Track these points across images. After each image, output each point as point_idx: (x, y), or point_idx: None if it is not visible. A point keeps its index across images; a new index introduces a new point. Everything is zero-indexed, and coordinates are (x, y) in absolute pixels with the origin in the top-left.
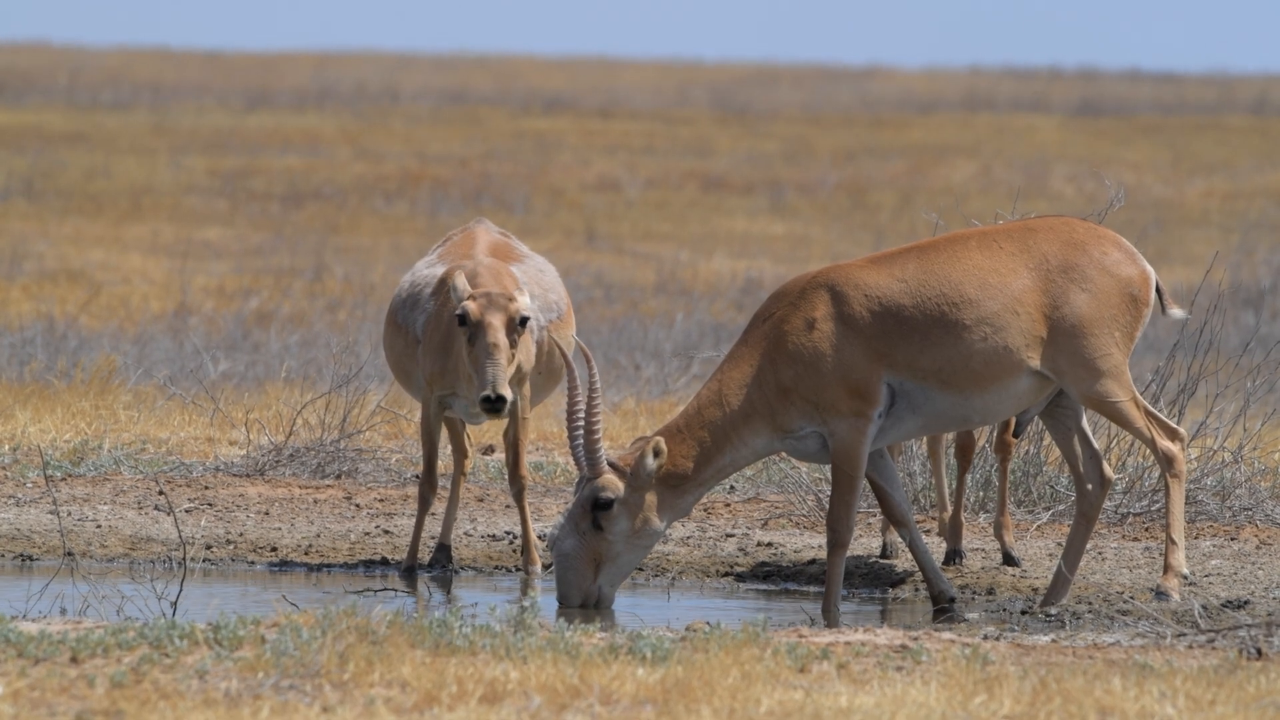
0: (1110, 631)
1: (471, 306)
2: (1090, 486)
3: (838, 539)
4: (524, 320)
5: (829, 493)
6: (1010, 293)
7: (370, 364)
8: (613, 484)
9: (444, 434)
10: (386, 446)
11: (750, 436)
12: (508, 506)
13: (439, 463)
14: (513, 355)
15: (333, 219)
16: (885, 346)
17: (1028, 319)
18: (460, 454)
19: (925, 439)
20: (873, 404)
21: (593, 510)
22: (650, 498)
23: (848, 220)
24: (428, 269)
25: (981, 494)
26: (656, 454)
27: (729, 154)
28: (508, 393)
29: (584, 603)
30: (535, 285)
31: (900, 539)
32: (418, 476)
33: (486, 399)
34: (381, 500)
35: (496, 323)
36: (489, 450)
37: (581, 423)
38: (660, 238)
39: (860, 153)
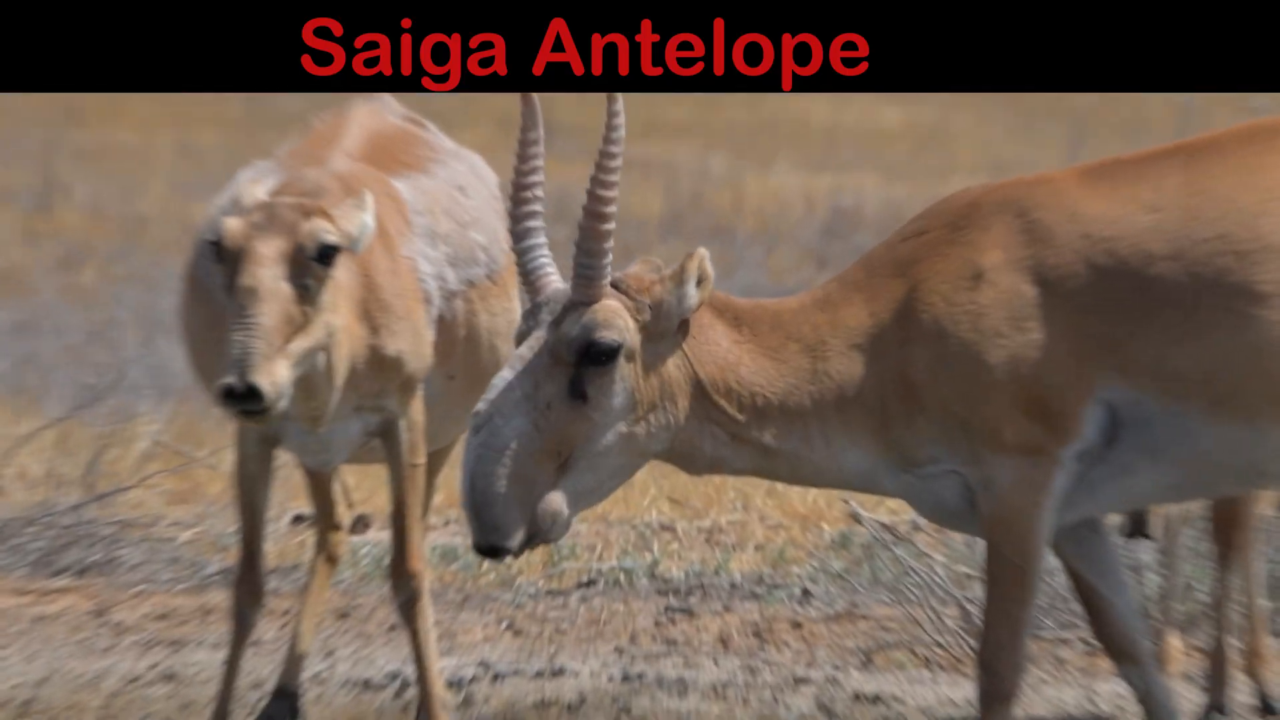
0: None
1: (231, 226)
2: None
3: (999, 685)
4: (325, 252)
5: (982, 603)
6: None
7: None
8: (617, 317)
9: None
10: (171, 516)
11: (844, 442)
12: (392, 628)
13: (267, 545)
14: (301, 314)
15: None
16: (1111, 328)
17: None
18: (327, 525)
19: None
20: (1066, 436)
21: (579, 362)
22: (680, 366)
23: (1027, 107)
24: (245, 187)
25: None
26: (700, 280)
27: None
28: (265, 381)
29: (529, 534)
30: (439, 215)
31: (1133, 683)
32: (226, 571)
33: (228, 390)
34: (162, 616)
35: (265, 251)
36: (360, 523)
37: (532, 190)
38: (673, 130)
39: None
